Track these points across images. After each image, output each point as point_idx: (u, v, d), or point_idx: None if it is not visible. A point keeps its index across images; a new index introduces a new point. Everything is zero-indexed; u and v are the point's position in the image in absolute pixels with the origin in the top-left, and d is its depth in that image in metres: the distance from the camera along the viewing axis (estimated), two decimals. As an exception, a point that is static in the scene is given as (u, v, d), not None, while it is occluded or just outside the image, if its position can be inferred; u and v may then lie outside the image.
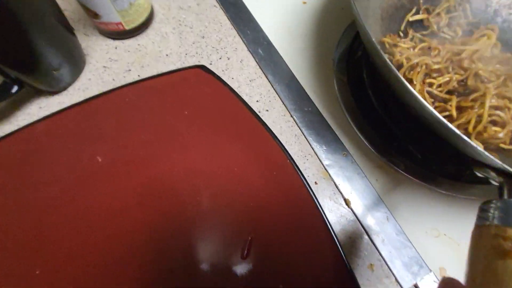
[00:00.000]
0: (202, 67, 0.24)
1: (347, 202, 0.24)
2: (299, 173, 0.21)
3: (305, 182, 0.21)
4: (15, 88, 0.24)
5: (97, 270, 0.19)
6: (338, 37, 0.30)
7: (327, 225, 0.20)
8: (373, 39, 0.18)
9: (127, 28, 0.28)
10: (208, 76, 0.24)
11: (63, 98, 0.27)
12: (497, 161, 0.16)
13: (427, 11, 0.28)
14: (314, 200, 0.21)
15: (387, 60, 0.18)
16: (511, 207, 0.14)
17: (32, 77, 0.24)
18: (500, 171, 0.17)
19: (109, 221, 0.21)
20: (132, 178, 0.22)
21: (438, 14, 0.28)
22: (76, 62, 0.27)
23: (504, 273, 0.13)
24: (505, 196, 0.16)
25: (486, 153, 0.16)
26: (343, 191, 0.24)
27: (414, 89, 0.20)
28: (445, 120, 0.16)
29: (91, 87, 0.27)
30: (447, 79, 0.24)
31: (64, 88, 0.27)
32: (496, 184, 0.17)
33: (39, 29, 0.22)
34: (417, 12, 0.28)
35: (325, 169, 0.25)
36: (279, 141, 0.23)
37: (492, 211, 0.15)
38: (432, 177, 0.24)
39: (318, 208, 0.21)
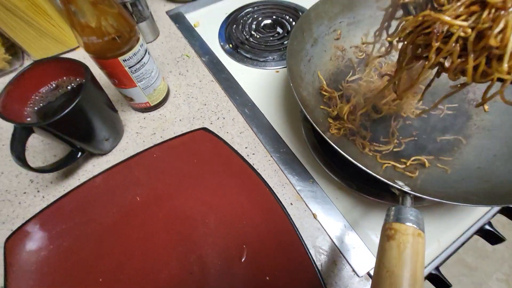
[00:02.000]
0: (205, 129, 0.35)
1: (314, 216, 0.32)
2: (276, 198, 0.31)
3: (281, 204, 0.30)
4: (79, 154, 0.35)
5: (139, 277, 0.28)
6: (303, 94, 0.41)
7: (298, 235, 0.29)
8: (306, 113, 0.29)
9: (152, 104, 0.40)
10: (209, 135, 0.35)
11: (109, 158, 0.38)
12: (394, 185, 0.24)
13: (361, 72, 0.40)
14: (288, 217, 0.30)
15: (318, 129, 0.28)
16: (400, 210, 0.22)
17: (91, 146, 0.35)
18: (398, 189, 0.25)
19: (146, 241, 0.30)
20: (161, 210, 0.31)
21: (369, 73, 0.39)
22: (118, 132, 0.39)
23: (388, 250, 0.21)
24: (400, 203, 0.24)
25: (388, 181, 0.24)
26: (312, 208, 0.33)
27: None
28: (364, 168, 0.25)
29: (128, 148, 0.38)
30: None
31: (110, 151, 0.38)
32: (397, 194, 0.26)
33: (97, 115, 0.33)
34: (353, 74, 0.40)
35: (298, 193, 0.34)
36: (261, 177, 0.32)
37: (390, 213, 0.23)
38: (376, 192, 0.33)
39: (291, 223, 0.29)
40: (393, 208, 0.23)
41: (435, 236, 0.31)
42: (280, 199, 0.32)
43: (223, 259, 0.29)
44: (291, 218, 0.30)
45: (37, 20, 0.42)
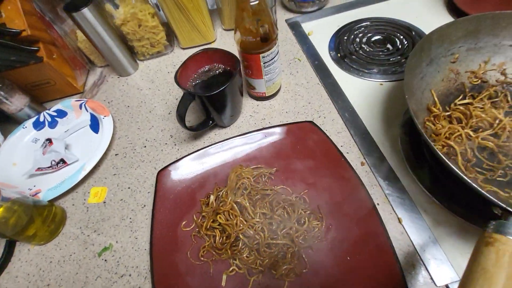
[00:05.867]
0: (312, 122, 0.41)
1: (400, 220, 0.35)
2: (367, 191, 0.35)
3: (370, 197, 0.34)
4: (210, 123, 0.45)
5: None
6: (404, 109, 0.44)
7: (382, 225, 0.32)
8: (419, 125, 0.31)
9: (267, 95, 0.48)
10: (314, 128, 0.40)
11: (227, 131, 0.47)
12: (500, 203, 0.26)
13: (472, 97, 0.40)
14: (376, 210, 0.33)
15: (427, 139, 0.31)
16: (503, 224, 0.23)
17: (220, 119, 0.45)
18: (502, 208, 0.26)
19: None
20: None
21: (481, 99, 0.39)
22: (239, 112, 0.48)
23: (485, 253, 0.23)
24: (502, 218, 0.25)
25: (493, 199, 0.26)
26: (398, 213, 0.35)
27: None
28: (465, 178, 0.28)
29: (243, 126, 0.47)
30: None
31: (229, 125, 0.48)
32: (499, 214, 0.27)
33: (234, 96, 0.42)
34: (463, 98, 0.40)
35: (386, 196, 0.37)
36: (354, 171, 0.37)
37: (489, 225, 0.25)
38: (467, 215, 0.33)
39: (378, 214, 0.33)
40: (494, 221, 0.25)
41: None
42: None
43: (309, 233, 0.34)
44: (378, 211, 0.33)
45: (194, 18, 0.56)
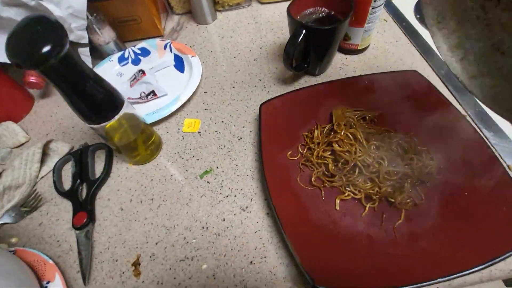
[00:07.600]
0: (416, 71, 0.41)
1: (509, 167, 0.35)
2: (481, 136, 0.35)
3: (480, 135, 0.34)
4: (304, 67, 0.46)
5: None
6: None
7: (506, 170, 0.32)
8: None
9: (358, 48, 0.48)
10: (420, 76, 0.41)
11: (316, 79, 0.48)
12: None
13: None
14: (495, 156, 0.33)
15: None
16: None
17: (315, 65, 0.45)
18: None
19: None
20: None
21: None
22: (330, 62, 0.48)
23: None
24: None
25: None
26: (506, 160, 0.36)
27: None
28: None
29: (333, 76, 0.48)
30: None
31: (318, 75, 0.48)
32: None
33: (336, 41, 0.43)
34: None
35: (492, 146, 0.37)
36: (467, 119, 0.37)
37: None
38: None
39: (500, 162, 0.33)
40: None
41: None
42: (477, 144, 0.36)
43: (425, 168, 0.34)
44: (494, 153, 0.33)
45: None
